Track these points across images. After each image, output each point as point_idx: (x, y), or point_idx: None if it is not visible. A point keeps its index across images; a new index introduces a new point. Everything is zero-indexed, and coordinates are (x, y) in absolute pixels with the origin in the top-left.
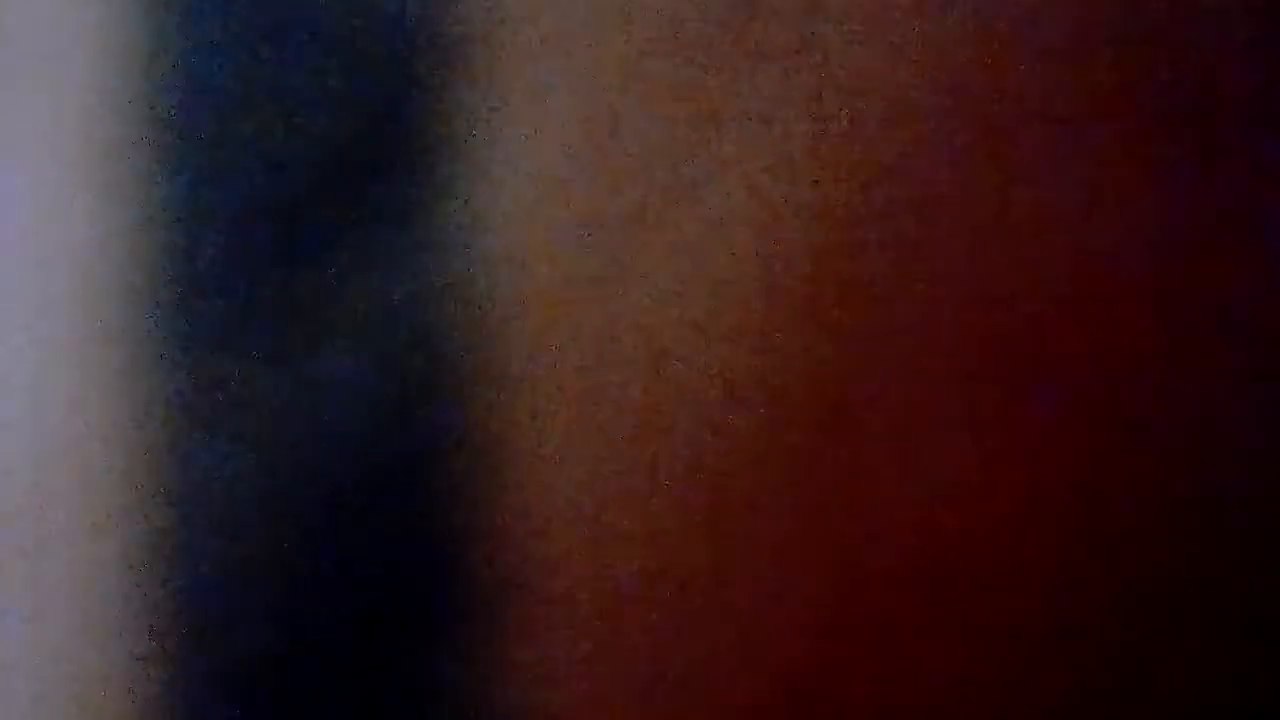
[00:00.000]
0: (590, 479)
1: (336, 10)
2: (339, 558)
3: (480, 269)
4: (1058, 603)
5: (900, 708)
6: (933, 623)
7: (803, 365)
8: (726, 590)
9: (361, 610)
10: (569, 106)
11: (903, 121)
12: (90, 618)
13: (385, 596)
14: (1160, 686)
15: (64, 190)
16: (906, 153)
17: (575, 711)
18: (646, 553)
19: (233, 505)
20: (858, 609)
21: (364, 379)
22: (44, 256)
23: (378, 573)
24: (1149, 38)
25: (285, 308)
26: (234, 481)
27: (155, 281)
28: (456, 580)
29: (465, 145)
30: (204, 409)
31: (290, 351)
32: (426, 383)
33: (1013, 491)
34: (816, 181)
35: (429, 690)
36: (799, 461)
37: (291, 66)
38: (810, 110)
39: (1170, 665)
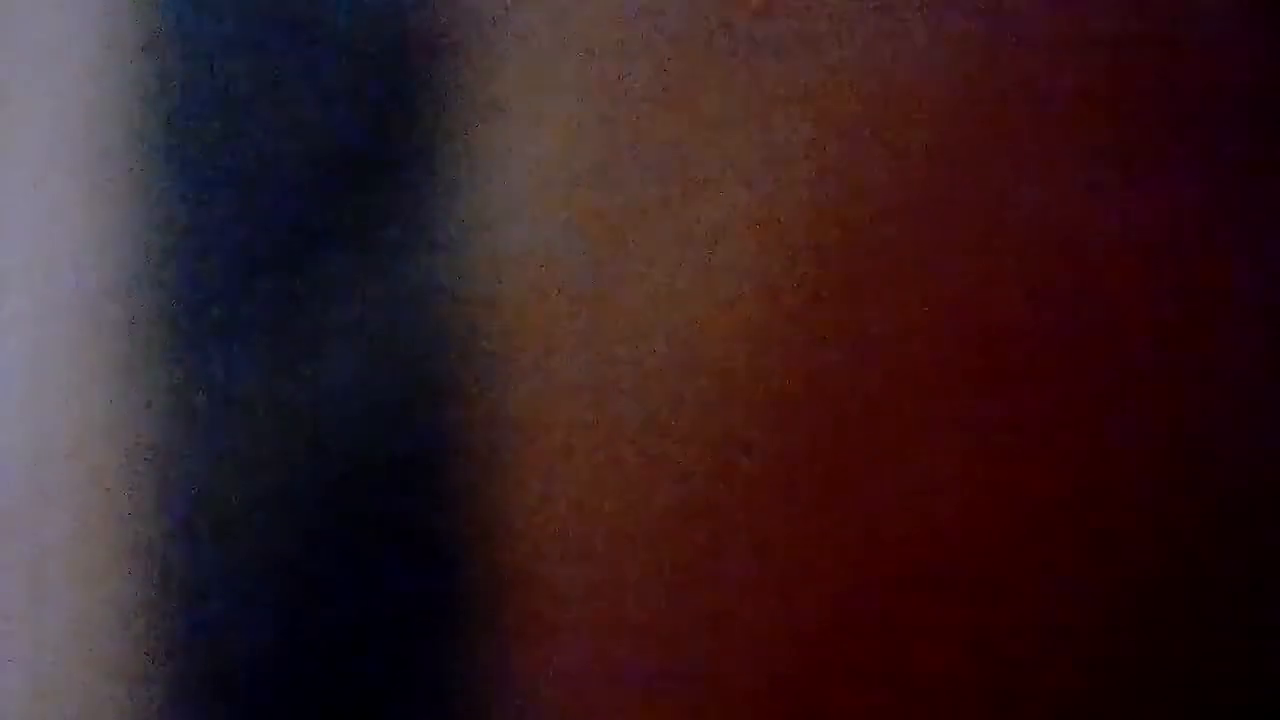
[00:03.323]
0: (590, 479)
1: (336, 10)
2: (339, 558)
3: (480, 269)
4: (1058, 603)
5: (900, 708)
6: (933, 623)
7: (803, 365)
8: (726, 590)
9: (361, 610)
10: (569, 106)
11: (903, 121)
12: (90, 618)
13: (385, 596)
14: (1160, 686)
15: (64, 190)
16: (907, 152)
17: (576, 712)
18: (646, 553)
19: (232, 505)
20: (858, 609)
21: (364, 379)
22: (44, 256)
23: (378, 573)
24: (1149, 38)
25: (285, 308)
26: (234, 481)
27: (155, 281)
28: (456, 580)
29: (465, 145)
30: (204, 409)
31: (290, 351)
32: (426, 383)
33: (1013, 491)
34: (816, 181)
35: (429, 690)
36: (799, 462)
37: (291, 66)
38: (810, 110)
39: (1170, 665)
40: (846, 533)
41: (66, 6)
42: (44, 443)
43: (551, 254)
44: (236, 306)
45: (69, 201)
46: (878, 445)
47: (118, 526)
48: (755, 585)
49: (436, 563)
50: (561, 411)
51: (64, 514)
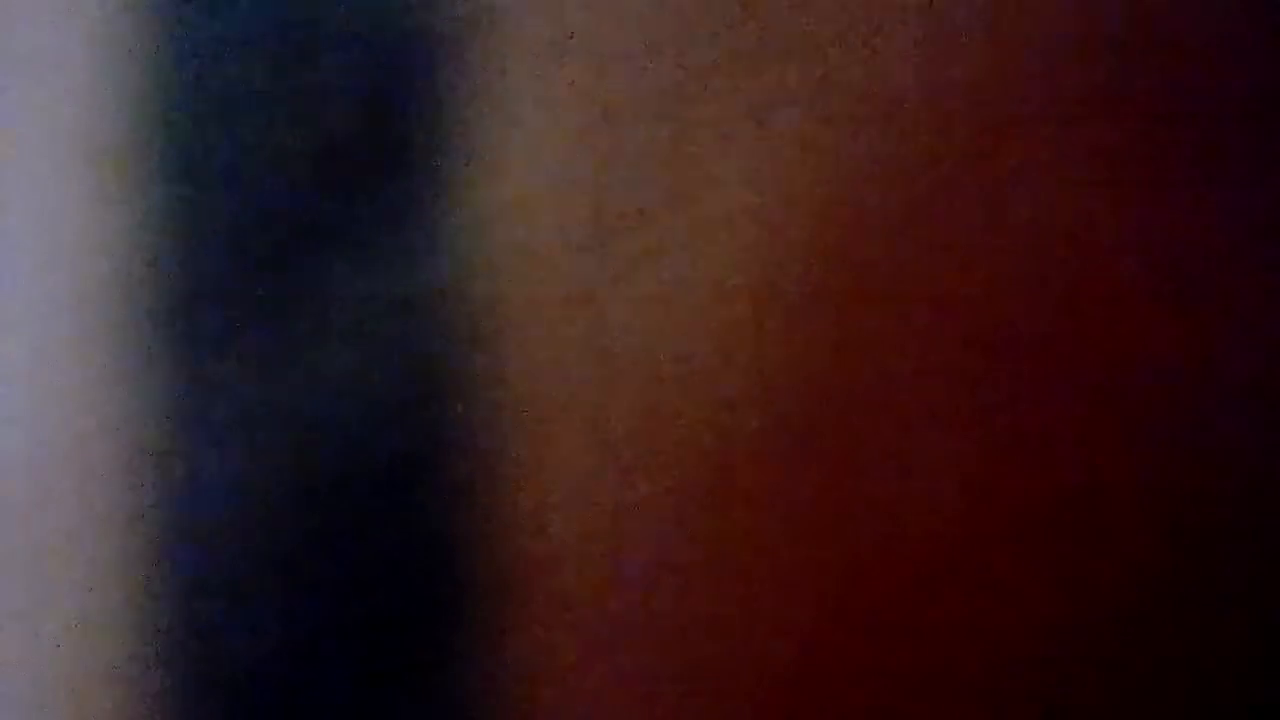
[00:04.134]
0: (590, 479)
1: (336, 10)
2: (339, 558)
3: (480, 269)
4: (1057, 603)
5: (900, 708)
6: (933, 622)
7: (802, 365)
8: (727, 589)
9: (361, 610)
10: (569, 107)
11: (903, 121)
12: (90, 618)
13: (385, 596)
14: (1161, 686)
15: (64, 190)
16: (906, 153)
17: (575, 711)
18: (646, 552)
19: (232, 505)
20: (858, 609)
21: (364, 379)
22: (44, 256)
23: (377, 573)
24: (1149, 38)
25: (285, 308)
26: (234, 481)
27: (155, 281)
28: (456, 580)
29: (465, 145)
30: (204, 409)
31: (290, 351)
32: (426, 383)
33: (1012, 492)
34: (816, 181)
35: (429, 690)
36: (798, 461)
37: (292, 66)
38: (810, 110)
39: (1170, 665)
40: (846, 532)
41: (66, 8)
42: (44, 443)
43: (551, 254)
44: (236, 306)
45: (69, 201)
46: (878, 445)
47: (118, 526)
48: (755, 585)
49: (436, 563)
50: (561, 411)
51: (64, 514)
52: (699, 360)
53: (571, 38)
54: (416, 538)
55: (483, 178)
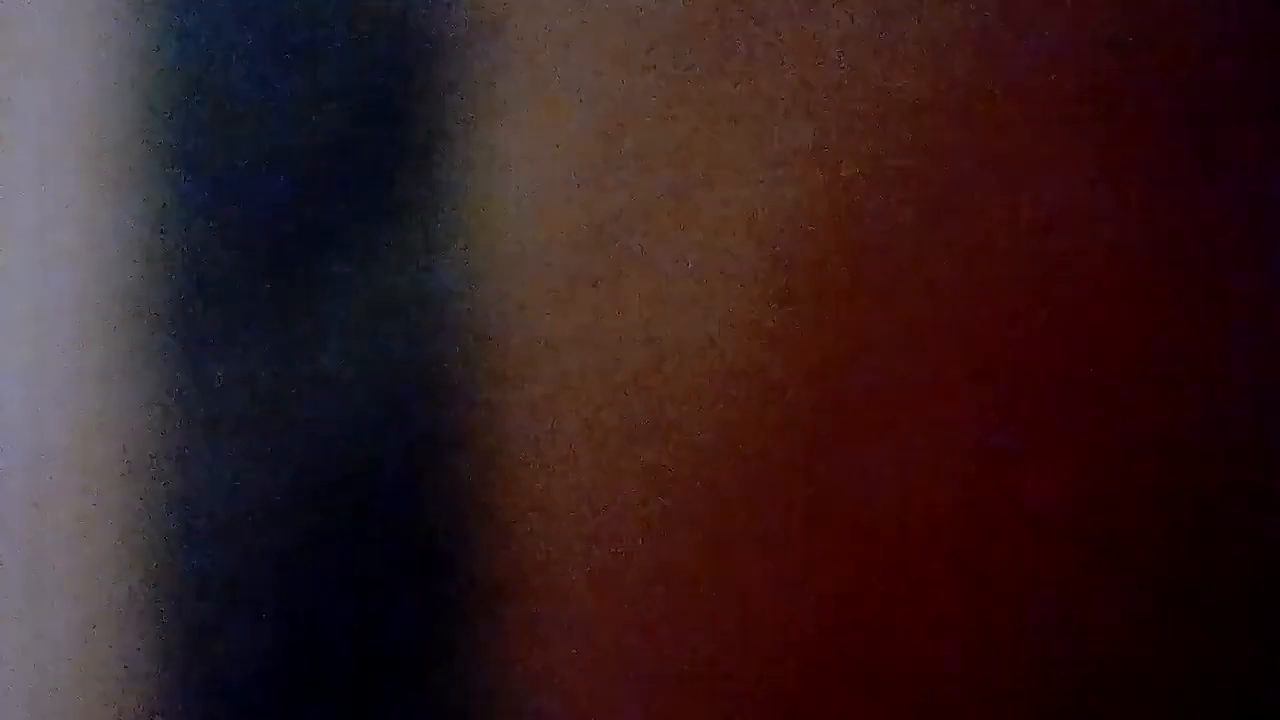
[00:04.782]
0: (590, 478)
1: (336, 10)
2: (338, 557)
3: (480, 269)
4: (1058, 603)
5: (900, 707)
6: (933, 621)
7: (803, 364)
8: (727, 590)
9: (361, 610)
10: (569, 107)
11: (903, 121)
12: (90, 618)
13: (385, 596)
14: (1160, 686)
15: (64, 191)
16: (907, 153)
17: (575, 711)
18: (646, 553)
19: (232, 505)
20: (857, 608)
21: (364, 379)
22: (44, 256)
23: (377, 572)
24: (1149, 38)
25: (285, 308)
26: (233, 481)
27: (155, 281)
28: (456, 580)
29: (465, 145)
30: (204, 409)
31: (290, 351)
32: (426, 383)
33: (1013, 490)
34: (817, 181)
35: (429, 690)
36: (799, 460)
37: (291, 66)
38: (810, 110)
39: (1170, 665)
40: (847, 532)
41: (66, 10)
42: (44, 443)
43: (551, 254)
44: (236, 306)
45: (69, 201)
46: (878, 443)
47: (118, 526)
48: (755, 585)
49: (436, 563)
50: (562, 411)
51: (64, 514)
52: (699, 361)
53: (571, 38)
54: (416, 538)
55: (483, 178)
